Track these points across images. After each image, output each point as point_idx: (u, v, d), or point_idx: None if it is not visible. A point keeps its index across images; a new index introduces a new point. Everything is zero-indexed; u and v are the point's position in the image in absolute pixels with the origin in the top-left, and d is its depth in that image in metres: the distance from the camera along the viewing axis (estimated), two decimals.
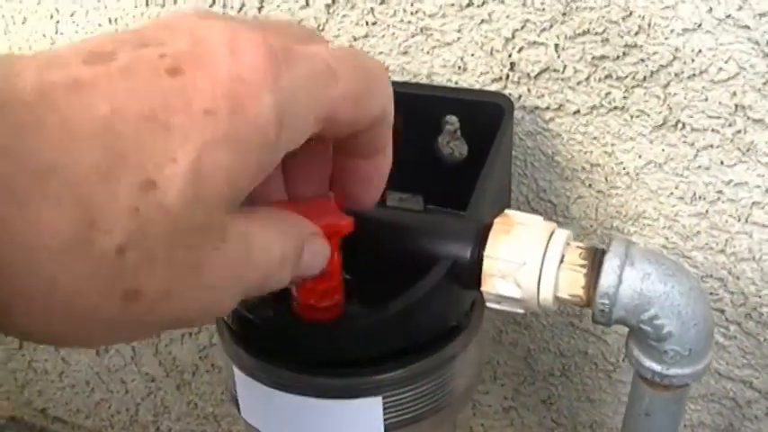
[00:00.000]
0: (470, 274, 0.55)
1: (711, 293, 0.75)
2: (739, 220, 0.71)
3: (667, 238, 0.73)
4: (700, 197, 0.70)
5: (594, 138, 0.71)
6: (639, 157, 0.70)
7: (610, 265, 0.54)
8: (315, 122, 0.38)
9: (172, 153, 0.31)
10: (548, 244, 0.54)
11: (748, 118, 0.65)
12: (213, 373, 1.14)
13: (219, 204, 0.33)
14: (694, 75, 0.65)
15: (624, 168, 0.71)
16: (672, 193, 0.71)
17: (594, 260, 0.55)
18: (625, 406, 0.84)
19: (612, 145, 0.70)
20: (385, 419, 0.57)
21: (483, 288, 0.55)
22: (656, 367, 0.57)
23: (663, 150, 0.69)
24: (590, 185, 0.73)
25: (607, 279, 0.54)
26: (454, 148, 0.74)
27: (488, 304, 0.57)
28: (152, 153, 0.30)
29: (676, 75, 0.65)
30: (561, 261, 0.55)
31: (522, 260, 0.54)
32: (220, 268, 0.35)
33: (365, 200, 0.48)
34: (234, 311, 0.57)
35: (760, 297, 0.74)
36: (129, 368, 1.23)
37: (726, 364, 0.80)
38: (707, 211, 0.71)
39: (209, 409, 1.21)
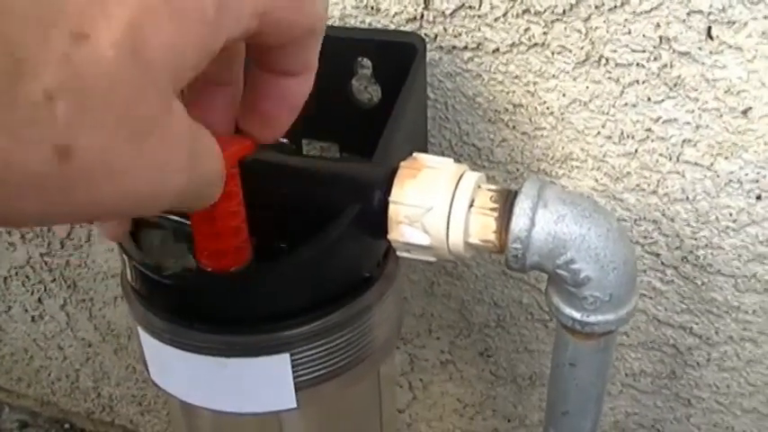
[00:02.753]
0: (377, 221, 0.52)
1: (645, 237, 0.73)
2: (670, 159, 0.68)
3: (597, 180, 0.71)
4: (628, 136, 0.68)
5: (516, 77, 0.68)
6: (563, 95, 0.67)
7: (521, 208, 0.51)
8: (252, 16, 0.36)
9: (108, 10, 0.30)
10: (456, 187, 0.52)
11: (674, 51, 0.62)
12: None
13: (161, 70, 0.32)
14: (616, 6, 0.62)
15: (548, 108, 0.68)
16: (599, 133, 0.68)
17: (506, 203, 0.52)
18: None
19: (535, 84, 0.68)
20: (294, 377, 0.54)
21: (390, 236, 0.52)
22: (576, 314, 0.54)
23: (587, 88, 0.66)
24: (514, 127, 0.70)
25: (518, 222, 0.51)
26: (372, 93, 0.71)
27: (398, 253, 0.54)
28: (88, 7, 0.29)
29: (597, 7, 0.62)
30: (471, 205, 0.52)
31: (428, 205, 0.51)
32: (165, 147, 0.33)
33: (280, 122, 0.45)
34: (135, 269, 0.55)
35: (696, 239, 0.72)
36: (65, 334, 1.20)
37: (664, 309, 0.78)
38: (636, 151, 0.68)
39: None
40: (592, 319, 0.54)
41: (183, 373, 0.56)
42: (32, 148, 0.29)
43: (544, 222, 0.51)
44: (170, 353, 0.55)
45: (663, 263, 0.74)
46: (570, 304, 0.54)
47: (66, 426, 1.47)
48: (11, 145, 0.29)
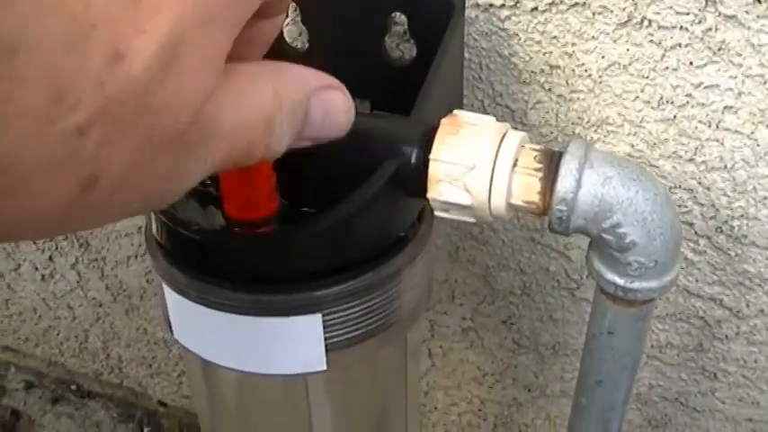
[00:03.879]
0: (415, 179, 0.50)
1: (680, 205, 0.71)
2: (710, 126, 0.66)
3: (633, 146, 0.69)
4: (667, 101, 0.66)
5: (554, 37, 0.66)
6: (602, 57, 0.65)
7: (567, 168, 0.49)
8: None
9: (142, 24, 0.29)
10: (500, 146, 0.50)
11: (719, 14, 0.60)
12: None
13: (193, 81, 0.31)
14: None
15: (586, 70, 0.66)
16: (637, 97, 0.66)
17: (551, 164, 0.50)
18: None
19: (573, 45, 0.66)
20: (326, 338, 0.53)
21: (429, 194, 0.50)
22: (619, 281, 0.52)
23: (627, 50, 0.64)
24: (549, 89, 0.69)
25: (564, 183, 0.49)
26: (404, 51, 0.69)
27: (436, 213, 0.52)
28: (121, 25, 0.29)
29: None
30: (514, 165, 0.50)
31: (471, 163, 0.49)
32: (186, 150, 0.33)
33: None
34: (163, 225, 0.53)
35: (731, 209, 0.70)
36: (75, 293, 1.19)
37: (695, 281, 0.77)
38: (675, 117, 0.66)
39: (159, 335, 1.18)
40: (635, 285, 0.52)
41: (209, 332, 0.55)
42: (62, 180, 0.29)
43: (590, 184, 0.49)
44: (197, 311, 0.53)
45: (696, 233, 0.72)
46: (613, 270, 0.52)
47: (73, 387, 1.46)
48: (42, 176, 0.28)
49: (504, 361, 0.92)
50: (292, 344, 0.53)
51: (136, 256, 1.07)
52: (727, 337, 0.80)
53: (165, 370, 1.24)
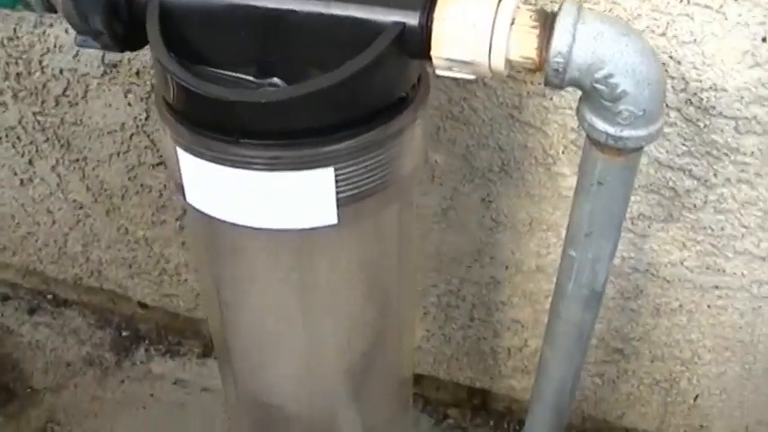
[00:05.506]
0: (420, 39, 0.54)
1: None
2: (681, 1, 0.70)
3: None
4: None
5: None
6: None
7: (562, 25, 0.53)
8: None
9: None
10: (498, 6, 0.53)
11: None
12: (143, 195, 1.12)
13: None
14: None
15: None
16: None
17: (546, 22, 0.54)
18: (565, 201, 0.85)
19: None
20: (337, 192, 0.56)
21: (433, 52, 0.54)
22: (611, 129, 0.56)
23: None
24: None
25: (560, 38, 0.53)
26: None
27: (438, 72, 0.56)
28: None
29: None
30: (512, 23, 0.53)
31: (472, 22, 0.53)
32: None
33: None
34: (180, 88, 0.55)
35: (701, 81, 0.74)
36: (55, 196, 1.20)
37: (666, 152, 0.80)
38: None
39: (140, 233, 1.19)
40: (625, 133, 0.56)
41: (225, 192, 0.57)
42: None
43: (584, 38, 0.53)
44: (213, 171, 0.56)
45: (667, 105, 0.76)
46: (605, 119, 0.56)
47: (49, 296, 1.48)
48: None
49: (483, 239, 0.96)
50: (306, 198, 0.56)
51: (118, 154, 1.08)
52: (695, 206, 0.84)
53: (145, 269, 1.26)
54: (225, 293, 0.70)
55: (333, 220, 0.57)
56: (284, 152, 0.54)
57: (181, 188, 0.61)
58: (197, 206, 0.60)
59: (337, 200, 0.56)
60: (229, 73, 0.57)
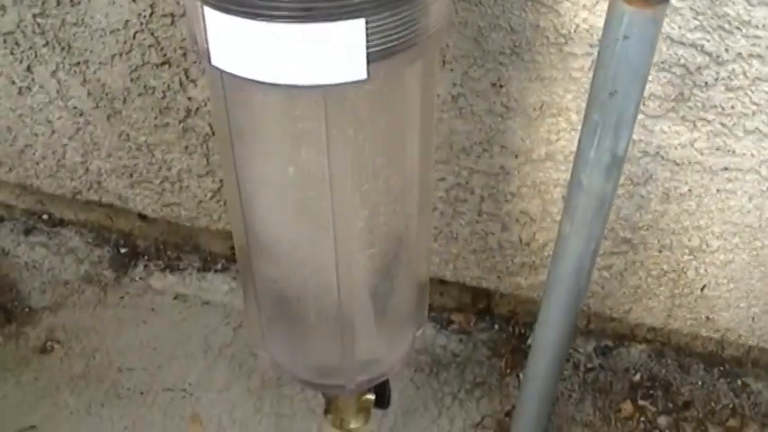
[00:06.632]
0: None
1: None
2: None
3: None
4: None
5: None
6: None
7: None
8: None
9: None
10: None
11: None
12: (146, 97, 1.11)
13: None
14: None
15: None
16: None
17: None
18: (576, 83, 0.85)
19: None
20: (367, 46, 0.56)
21: None
22: None
23: None
24: None
25: None
26: None
27: None
28: None
29: None
30: None
31: None
32: None
33: None
34: None
35: None
36: (55, 104, 1.19)
37: (678, 27, 0.80)
38: None
39: (143, 139, 1.19)
40: None
41: (253, 48, 0.57)
42: None
43: None
44: (241, 27, 0.56)
45: None
46: None
47: (45, 217, 1.47)
48: None
49: (493, 127, 0.96)
50: (337, 52, 0.56)
51: (121, 55, 1.07)
52: (706, 84, 0.84)
53: (146, 178, 1.25)
54: (248, 170, 0.70)
55: (362, 75, 0.57)
56: (316, 3, 0.54)
57: (206, 53, 0.60)
58: (224, 67, 0.59)
59: (367, 54, 0.56)
60: None
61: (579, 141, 0.69)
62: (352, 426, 0.92)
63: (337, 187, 0.66)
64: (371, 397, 0.90)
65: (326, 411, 0.93)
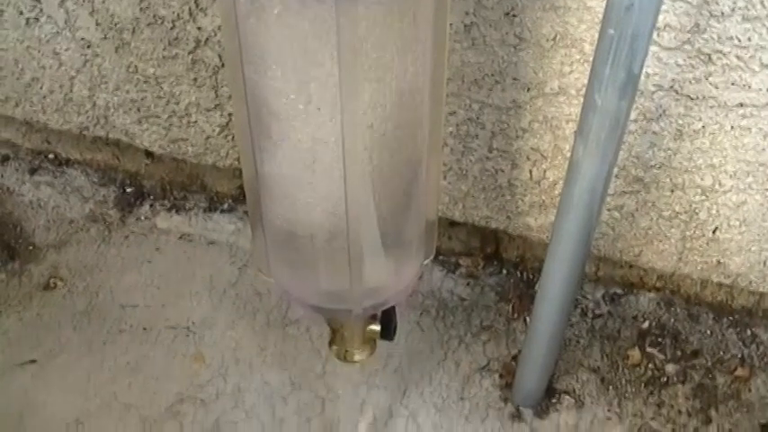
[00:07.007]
0: None
1: None
2: None
3: None
4: None
5: None
6: None
7: None
8: None
9: None
10: None
11: None
12: (155, 27, 1.10)
13: None
14: None
15: None
16: None
17: None
18: (590, 12, 0.83)
19: None
20: None
21: None
22: None
23: None
24: None
25: None
26: None
27: None
28: None
29: None
30: None
31: None
32: None
33: None
34: None
35: None
36: (62, 36, 1.18)
37: None
38: None
39: (151, 71, 1.17)
40: None
41: None
42: None
43: None
44: None
45: None
46: None
47: (51, 156, 1.47)
48: None
49: (505, 59, 0.95)
50: None
51: None
52: (723, 14, 0.83)
53: (154, 113, 1.24)
54: (258, 92, 0.69)
55: None
56: None
57: None
58: None
59: None
60: None
61: (594, 60, 0.68)
62: (357, 357, 0.92)
63: (347, 110, 0.65)
64: (377, 328, 0.89)
65: (331, 343, 0.92)
